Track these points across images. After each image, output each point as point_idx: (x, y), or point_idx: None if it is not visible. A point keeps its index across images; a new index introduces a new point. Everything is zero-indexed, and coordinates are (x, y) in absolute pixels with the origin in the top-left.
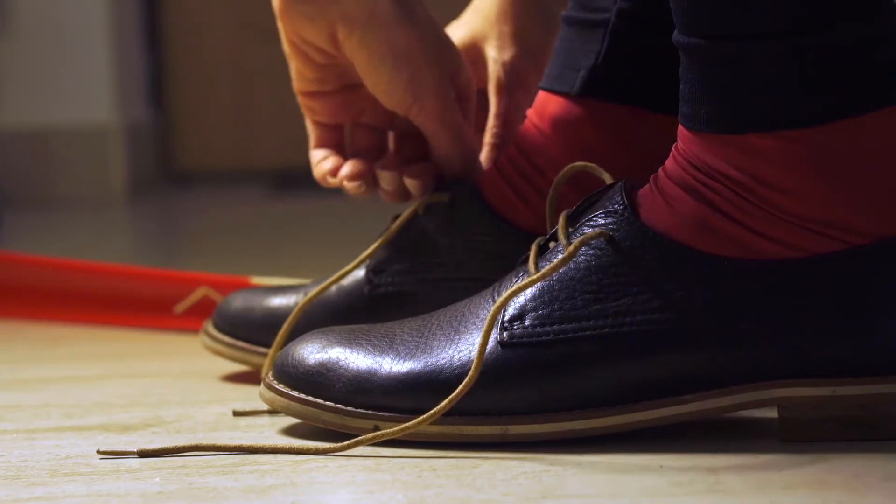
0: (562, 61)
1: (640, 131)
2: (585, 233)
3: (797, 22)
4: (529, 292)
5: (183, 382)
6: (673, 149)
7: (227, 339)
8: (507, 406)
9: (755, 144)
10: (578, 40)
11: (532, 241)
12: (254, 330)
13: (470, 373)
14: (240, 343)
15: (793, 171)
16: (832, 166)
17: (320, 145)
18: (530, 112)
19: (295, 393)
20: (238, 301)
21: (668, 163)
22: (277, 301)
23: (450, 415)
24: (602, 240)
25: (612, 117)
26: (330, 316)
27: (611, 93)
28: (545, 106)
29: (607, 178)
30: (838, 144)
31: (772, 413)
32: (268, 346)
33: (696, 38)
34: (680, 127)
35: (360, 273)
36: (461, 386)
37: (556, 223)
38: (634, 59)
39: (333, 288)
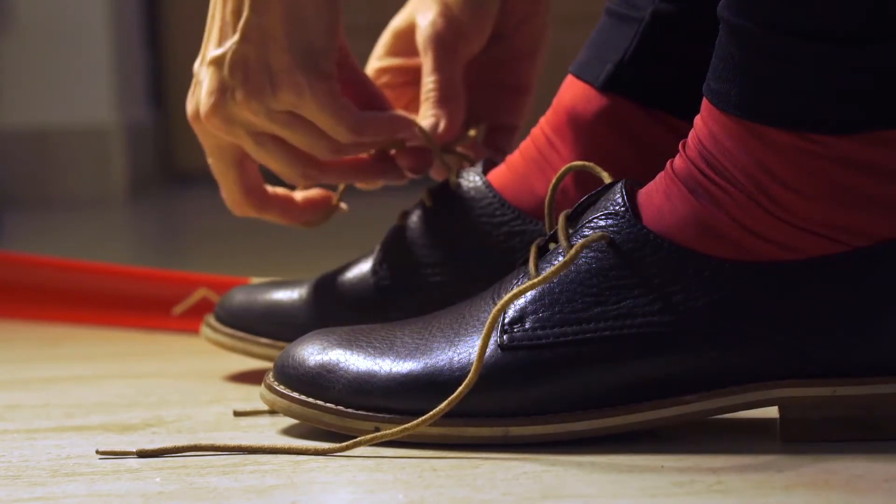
0: (593, 51)
1: (656, 133)
2: (586, 235)
3: (851, 31)
4: (530, 295)
5: (183, 382)
6: (685, 142)
7: (228, 329)
8: (508, 408)
9: (777, 140)
10: (612, 33)
11: (538, 235)
12: (255, 320)
13: (469, 375)
14: (240, 334)
15: (809, 172)
16: (848, 173)
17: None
18: (555, 98)
19: (295, 394)
20: (240, 295)
21: (677, 160)
22: (279, 294)
23: (451, 416)
24: (603, 242)
25: (631, 115)
26: (336, 307)
27: (633, 91)
28: (568, 90)
29: (606, 178)
30: (860, 154)
31: (772, 413)
32: (269, 336)
33: (745, 21)
34: (704, 101)
35: (367, 265)
36: (460, 388)
37: (556, 222)
38: (661, 62)
39: (339, 280)
